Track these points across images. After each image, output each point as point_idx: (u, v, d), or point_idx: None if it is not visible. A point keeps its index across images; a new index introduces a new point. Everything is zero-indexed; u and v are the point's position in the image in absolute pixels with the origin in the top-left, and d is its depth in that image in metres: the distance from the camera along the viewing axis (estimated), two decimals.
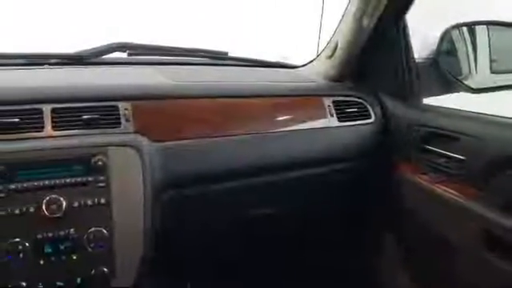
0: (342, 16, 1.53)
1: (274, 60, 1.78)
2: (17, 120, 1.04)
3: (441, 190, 1.23)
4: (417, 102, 1.51)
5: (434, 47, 1.52)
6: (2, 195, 0.97)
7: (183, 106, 1.23)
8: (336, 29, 1.57)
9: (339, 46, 1.54)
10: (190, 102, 1.25)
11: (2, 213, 0.96)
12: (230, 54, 1.62)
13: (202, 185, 1.24)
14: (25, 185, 0.98)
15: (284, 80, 1.52)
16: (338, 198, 1.54)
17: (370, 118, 1.48)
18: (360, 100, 1.50)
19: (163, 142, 1.16)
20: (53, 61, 1.41)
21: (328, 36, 1.63)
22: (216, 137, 1.24)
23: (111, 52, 1.46)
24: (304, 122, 1.38)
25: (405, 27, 1.50)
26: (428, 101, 1.54)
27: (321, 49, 1.68)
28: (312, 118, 1.40)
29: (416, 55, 1.55)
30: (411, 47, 1.52)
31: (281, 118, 1.35)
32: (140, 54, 1.51)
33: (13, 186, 0.98)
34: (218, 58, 1.61)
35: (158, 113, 1.20)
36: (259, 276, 1.68)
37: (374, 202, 1.57)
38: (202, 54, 1.59)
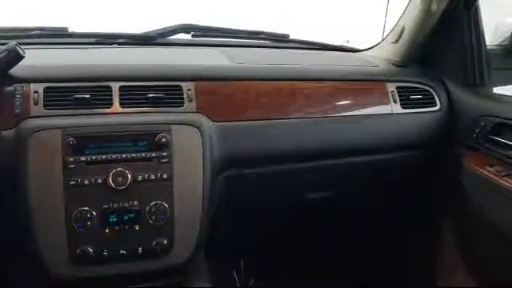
0: None
1: (337, 43, 1.75)
2: (88, 96, 1.10)
3: (508, 183, 1.17)
4: (486, 91, 1.44)
5: (509, 34, 1.44)
6: (73, 166, 1.03)
7: (244, 88, 1.25)
8: (403, 12, 1.52)
9: (406, 30, 1.49)
10: (251, 84, 1.26)
11: (73, 182, 1.02)
12: (292, 37, 1.61)
13: (259, 166, 1.26)
14: (94, 157, 1.04)
15: (346, 64, 1.49)
16: (398, 184, 1.50)
17: (435, 106, 1.43)
18: (425, 87, 1.45)
19: (223, 122, 1.19)
20: (121, 40, 1.47)
21: (393, 20, 1.58)
22: (275, 119, 1.25)
23: (176, 33, 1.50)
24: (365, 107, 1.35)
25: (476, 12, 1.43)
26: (498, 90, 1.47)
27: (386, 33, 1.64)
28: (374, 104, 1.36)
29: (488, 42, 1.47)
30: (483, 33, 1.45)
31: (341, 103, 1.33)
32: (204, 35, 1.54)
33: (83, 158, 1.03)
34: (279, 41, 1.61)
35: (220, 93, 1.22)
36: (313, 256, 1.69)
37: (436, 191, 1.52)
38: (264, 36, 1.59)
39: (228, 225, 1.38)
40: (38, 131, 1.03)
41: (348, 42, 1.82)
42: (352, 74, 1.41)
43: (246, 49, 1.56)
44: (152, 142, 1.08)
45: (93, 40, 1.46)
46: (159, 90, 1.15)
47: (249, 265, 1.63)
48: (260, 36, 1.59)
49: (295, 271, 1.66)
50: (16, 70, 1.03)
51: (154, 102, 1.14)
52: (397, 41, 1.53)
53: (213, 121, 1.18)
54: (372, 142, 1.35)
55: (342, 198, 1.53)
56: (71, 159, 1.03)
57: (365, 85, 1.39)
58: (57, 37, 1.43)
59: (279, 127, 1.25)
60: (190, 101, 1.17)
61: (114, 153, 1.06)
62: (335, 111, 1.32)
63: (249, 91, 1.25)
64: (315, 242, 1.68)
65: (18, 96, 1.06)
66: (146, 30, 1.49)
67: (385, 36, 1.64)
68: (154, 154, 1.08)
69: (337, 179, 1.42)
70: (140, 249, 1.06)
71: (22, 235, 1.03)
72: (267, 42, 1.62)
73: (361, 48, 1.74)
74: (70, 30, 1.42)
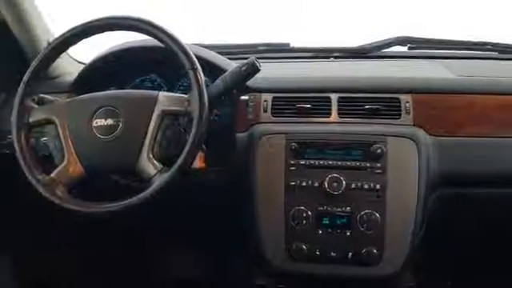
0: None
1: None
2: (309, 106, 1.19)
3: None
4: None
5: None
6: (294, 168, 1.12)
7: (468, 102, 1.18)
8: None
9: None
10: (474, 98, 1.18)
11: (292, 183, 1.12)
12: None
13: (479, 186, 1.17)
14: (312, 162, 1.12)
15: None
16: None
17: None
18: None
19: (442, 137, 1.15)
20: (336, 54, 1.54)
21: None
22: (504, 137, 1.15)
23: (392, 46, 1.50)
24: None
25: None
26: None
27: None
28: None
29: None
30: None
31: None
32: (421, 47, 1.51)
33: (302, 162, 1.12)
34: (508, 52, 1.47)
35: (439, 107, 1.17)
36: None
37: None
38: (490, 47, 1.47)
39: (438, 245, 1.31)
40: (266, 135, 1.15)
41: None
42: None
43: (469, 60, 1.47)
44: (367, 152, 1.11)
45: (311, 54, 1.57)
46: (376, 102, 1.18)
47: None
48: (485, 47, 1.47)
49: None
50: (251, 82, 1.16)
51: (371, 114, 1.17)
52: None
53: (431, 135, 1.14)
54: None
55: None
56: (292, 162, 1.12)
57: None
58: (280, 51, 1.57)
59: (503, 146, 1.15)
60: (408, 113, 1.16)
61: (331, 159, 1.12)
62: None
63: (473, 105, 1.17)
64: None
65: (251, 104, 1.21)
66: (362, 44, 1.52)
67: None
68: (367, 164, 1.11)
69: None
70: (350, 254, 1.09)
71: (245, 229, 1.16)
72: (494, 54, 1.48)
73: None
74: (291, 45, 1.55)
